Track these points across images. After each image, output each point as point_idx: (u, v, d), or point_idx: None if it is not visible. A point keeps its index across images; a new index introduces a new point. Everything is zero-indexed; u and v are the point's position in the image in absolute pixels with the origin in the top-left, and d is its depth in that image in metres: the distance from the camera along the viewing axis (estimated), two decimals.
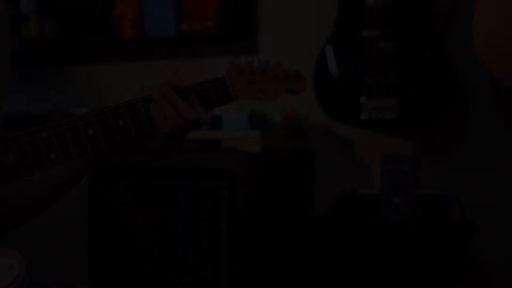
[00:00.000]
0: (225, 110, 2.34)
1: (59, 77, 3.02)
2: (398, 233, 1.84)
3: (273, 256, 2.04)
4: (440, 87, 2.20)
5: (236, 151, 2.13)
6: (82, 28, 2.90)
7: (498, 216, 2.30)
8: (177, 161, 2.15)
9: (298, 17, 2.59)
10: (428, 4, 2.21)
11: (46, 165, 0.98)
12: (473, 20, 2.10)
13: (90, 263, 2.29)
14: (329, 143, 2.53)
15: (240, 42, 2.63)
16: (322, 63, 2.33)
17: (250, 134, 2.17)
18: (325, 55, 2.33)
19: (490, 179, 2.32)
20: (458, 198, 1.87)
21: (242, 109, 2.34)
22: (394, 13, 2.22)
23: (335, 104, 2.33)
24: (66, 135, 1.01)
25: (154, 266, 2.20)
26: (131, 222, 2.23)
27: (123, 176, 2.27)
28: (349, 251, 1.91)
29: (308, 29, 2.55)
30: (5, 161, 0.93)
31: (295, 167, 2.44)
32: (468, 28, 2.18)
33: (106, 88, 2.92)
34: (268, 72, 1.32)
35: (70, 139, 1.02)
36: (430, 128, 2.35)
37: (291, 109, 2.49)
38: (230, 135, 2.19)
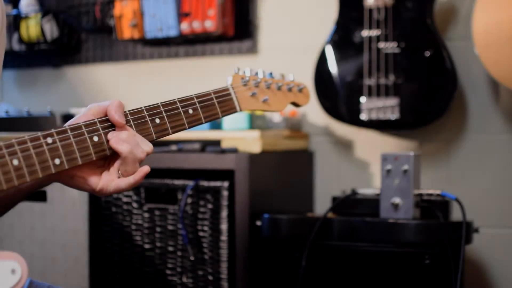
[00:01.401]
0: None
1: (59, 77, 3.02)
2: (398, 233, 1.84)
3: (273, 255, 2.04)
4: (440, 87, 2.20)
5: (236, 151, 2.13)
6: (82, 28, 2.90)
7: (498, 216, 2.30)
8: (177, 161, 2.16)
9: (298, 17, 2.59)
10: (428, 4, 2.21)
11: (50, 171, 0.97)
12: (473, 20, 2.10)
13: (90, 263, 2.29)
14: (329, 143, 2.53)
15: (240, 42, 2.63)
16: (322, 63, 2.33)
17: (250, 134, 2.17)
18: (325, 55, 2.33)
19: (490, 179, 2.32)
20: (458, 198, 1.87)
21: None
22: (394, 13, 2.22)
23: (335, 104, 2.33)
24: (71, 142, 1.01)
25: (154, 266, 2.20)
26: (131, 222, 2.23)
27: None
28: (349, 251, 1.91)
29: (308, 29, 2.56)
30: (10, 166, 0.93)
31: (295, 167, 2.44)
32: (468, 28, 2.18)
33: (106, 88, 2.92)
34: (271, 84, 1.32)
35: (75, 145, 1.02)
36: (430, 128, 2.35)
37: (291, 109, 2.49)
38: (230, 135, 2.19)
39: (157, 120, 1.12)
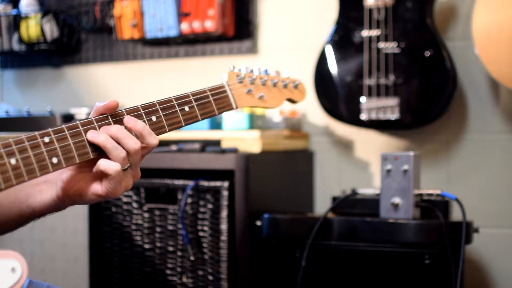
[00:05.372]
0: None
1: (59, 77, 3.02)
2: (398, 233, 1.84)
3: (273, 255, 2.04)
4: (440, 87, 2.20)
5: (236, 151, 2.13)
6: (82, 28, 2.90)
7: (498, 216, 2.30)
8: (177, 161, 2.16)
9: (298, 17, 2.59)
10: (428, 4, 2.21)
11: (48, 170, 0.98)
12: (473, 20, 2.10)
13: (90, 263, 2.29)
14: (329, 143, 2.53)
15: (240, 42, 2.63)
16: (322, 63, 2.33)
17: (250, 134, 2.17)
18: (325, 55, 2.33)
19: (490, 179, 2.32)
20: (458, 198, 1.87)
21: (242, 109, 2.34)
22: (394, 13, 2.22)
23: (335, 104, 2.33)
24: (68, 140, 1.01)
25: (154, 266, 2.20)
26: (131, 222, 2.23)
27: None
28: (349, 251, 1.91)
29: (308, 29, 2.56)
30: (7, 165, 0.93)
31: (295, 167, 2.44)
32: (468, 28, 2.18)
33: (106, 88, 2.92)
34: (267, 81, 1.32)
35: (72, 144, 1.02)
36: (430, 128, 2.35)
37: (291, 109, 2.49)
38: (230, 135, 2.19)
39: (154, 118, 1.12)
